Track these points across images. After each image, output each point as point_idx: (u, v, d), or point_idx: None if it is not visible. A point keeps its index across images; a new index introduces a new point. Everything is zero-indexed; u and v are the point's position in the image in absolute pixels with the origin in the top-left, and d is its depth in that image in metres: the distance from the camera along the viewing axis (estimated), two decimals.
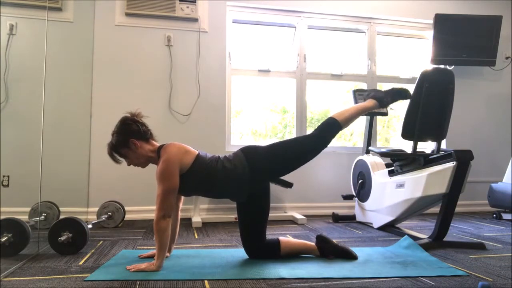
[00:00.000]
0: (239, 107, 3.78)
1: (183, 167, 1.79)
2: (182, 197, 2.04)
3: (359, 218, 3.18)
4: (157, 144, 1.89)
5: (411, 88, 2.50)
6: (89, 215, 3.12)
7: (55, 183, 3.00)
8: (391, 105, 2.14)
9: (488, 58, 3.63)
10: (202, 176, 1.82)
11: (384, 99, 2.08)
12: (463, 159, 2.20)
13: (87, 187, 3.19)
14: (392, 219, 2.70)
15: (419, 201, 2.44)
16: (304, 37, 3.78)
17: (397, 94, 2.12)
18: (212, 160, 1.86)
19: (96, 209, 2.93)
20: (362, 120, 3.53)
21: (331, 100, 4.00)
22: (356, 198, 3.19)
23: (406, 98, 2.14)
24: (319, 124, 2.02)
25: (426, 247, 2.16)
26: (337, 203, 3.56)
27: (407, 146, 2.66)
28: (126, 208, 2.99)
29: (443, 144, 3.75)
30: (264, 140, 3.86)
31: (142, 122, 1.88)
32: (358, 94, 3.28)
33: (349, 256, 1.95)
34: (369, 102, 2.07)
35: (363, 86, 3.88)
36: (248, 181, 1.83)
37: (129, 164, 1.88)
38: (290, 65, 3.78)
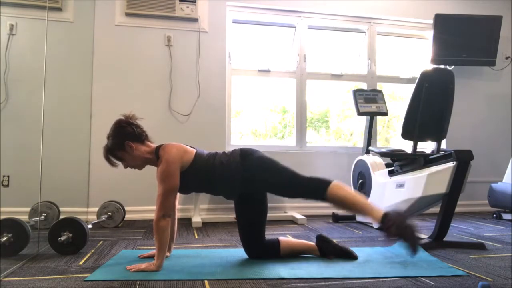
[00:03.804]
0: (239, 107, 3.78)
1: (183, 166, 1.79)
2: (179, 197, 2.04)
3: (359, 218, 3.18)
4: (153, 145, 1.89)
5: (411, 88, 2.50)
6: (89, 215, 3.12)
7: (55, 183, 3.00)
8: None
9: (488, 58, 3.64)
10: (201, 173, 1.82)
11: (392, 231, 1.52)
12: (463, 159, 2.20)
13: (87, 187, 3.19)
14: None
15: (419, 201, 2.44)
16: (304, 37, 3.78)
17: (408, 239, 1.51)
18: (209, 157, 1.86)
19: (96, 209, 2.93)
20: (362, 120, 3.53)
21: (331, 100, 4.00)
22: None
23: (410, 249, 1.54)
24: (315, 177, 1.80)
25: (426, 247, 2.16)
26: None
27: (407, 146, 2.66)
28: (126, 208, 2.99)
29: (443, 144, 3.75)
30: (264, 140, 3.86)
31: (137, 124, 1.87)
32: (358, 94, 3.28)
33: (349, 256, 1.95)
34: (375, 213, 1.60)
35: (363, 86, 3.88)
36: (239, 178, 1.81)
37: (126, 167, 1.88)
38: (290, 65, 3.78)
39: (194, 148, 1.89)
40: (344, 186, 1.68)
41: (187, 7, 3.39)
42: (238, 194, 1.87)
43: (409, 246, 1.41)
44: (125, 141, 1.80)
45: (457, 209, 2.35)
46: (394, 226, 1.42)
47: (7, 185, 3.01)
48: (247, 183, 1.81)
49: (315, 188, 1.70)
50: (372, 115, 3.27)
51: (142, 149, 1.84)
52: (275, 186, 1.82)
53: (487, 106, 4.10)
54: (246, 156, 1.84)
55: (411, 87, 2.49)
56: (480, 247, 2.24)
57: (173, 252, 2.03)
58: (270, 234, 2.41)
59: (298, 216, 3.19)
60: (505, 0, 4.15)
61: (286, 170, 1.82)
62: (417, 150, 2.50)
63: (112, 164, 1.86)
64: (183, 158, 1.79)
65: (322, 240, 1.98)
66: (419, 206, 2.53)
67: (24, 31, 3.12)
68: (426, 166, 2.43)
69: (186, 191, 1.92)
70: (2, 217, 1.97)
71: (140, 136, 1.85)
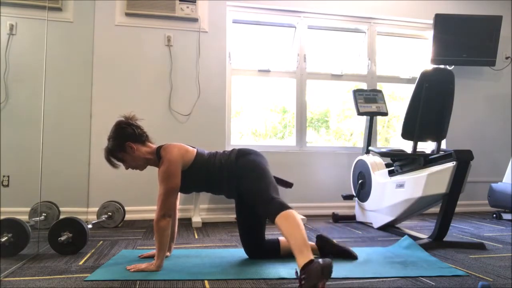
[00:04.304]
0: (239, 107, 3.78)
1: (184, 165, 1.80)
2: (179, 197, 2.04)
3: (359, 218, 3.18)
4: (154, 145, 1.89)
5: (411, 88, 2.51)
6: (89, 215, 3.12)
7: (55, 183, 3.00)
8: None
9: (488, 58, 3.64)
10: (202, 172, 1.83)
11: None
12: (463, 159, 2.20)
13: (87, 187, 3.19)
14: (392, 219, 2.70)
15: (419, 201, 2.44)
16: (304, 37, 3.78)
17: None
18: (210, 156, 1.87)
19: (96, 209, 2.93)
20: (362, 120, 3.53)
21: (331, 100, 4.00)
22: (356, 198, 3.19)
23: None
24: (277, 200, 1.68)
25: (426, 247, 2.16)
26: (337, 203, 3.56)
27: (407, 146, 2.66)
28: (126, 208, 2.99)
29: (443, 144, 3.75)
30: (264, 140, 3.86)
31: (137, 125, 1.87)
32: (358, 94, 3.28)
33: (349, 256, 1.95)
34: (302, 257, 1.42)
35: (363, 86, 3.88)
36: (235, 177, 1.81)
37: (127, 168, 1.88)
38: (290, 65, 3.78)
39: (195, 148, 1.89)
40: (292, 219, 1.56)
41: (187, 7, 3.39)
42: (237, 193, 1.87)
43: None
44: (125, 142, 1.81)
45: (457, 209, 2.35)
46: (306, 279, 1.34)
47: (7, 185, 3.01)
48: (239, 182, 1.81)
49: (270, 211, 1.63)
50: (372, 115, 3.27)
51: (142, 150, 1.85)
52: (247, 191, 1.76)
53: (487, 106, 4.10)
54: (241, 155, 1.84)
55: (411, 87, 2.49)
56: (480, 247, 2.24)
57: (173, 252, 2.03)
58: (270, 234, 2.40)
59: (298, 216, 3.18)
60: (505, 0, 4.15)
61: (264, 182, 1.73)
62: (417, 150, 2.50)
63: (113, 165, 1.86)
64: (184, 158, 1.80)
65: (322, 240, 1.98)
66: (419, 206, 2.53)
67: (24, 31, 3.12)
68: (426, 166, 2.43)
69: (187, 190, 1.93)
70: (2, 217, 1.97)
71: (141, 137, 1.85)
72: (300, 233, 1.51)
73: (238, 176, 1.80)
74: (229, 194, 1.92)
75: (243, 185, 1.78)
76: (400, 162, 2.72)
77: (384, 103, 3.30)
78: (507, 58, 4.11)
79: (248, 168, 1.79)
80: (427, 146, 2.94)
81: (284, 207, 1.62)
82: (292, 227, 1.54)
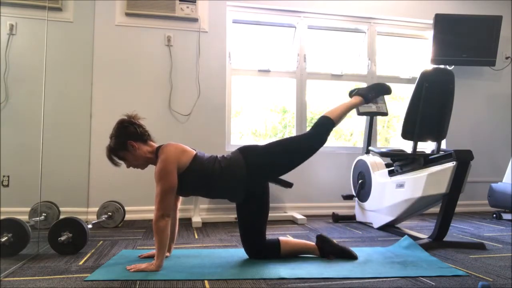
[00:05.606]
0: (239, 107, 3.78)
1: (180, 166, 1.79)
2: (180, 197, 2.04)
3: (359, 218, 3.18)
4: (155, 145, 1.89)
5: (411, 88, 2.51)
6: (89, 215, 3.12)
7: (55, 183, 3.00)
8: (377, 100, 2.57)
9: (488, 58, 3.64)
10: (200, 176, 1.82)
11: (369, 95, 2.21)
12: (463, 159, 2.20)
13: (87, 187, 3.19)
14: (392, 219, 2.70)
15: (419, 201, 2.44)
16: (304, 37, 3.78)
17: (380, 89, 2.26)
18: (209, 160, 1.86)
19: (96, 209, 2.93)
20: (362, 120, 3.53)
21: (331, 100, 4.00)
22: (356, 198, 3.19)
23: (388, 93, 2.28)
24: (314, 123, 2.05)
25: (426, 247, 2.16)
26: (337, 203, 3.56)
27: (407, 146, 2.66)
28: (126, 208, 2.99)
29: (443, 144, 3.75)
30: (264, 140, 3.86)
31: (139, 124, 1.88)
32: None
33: (349, 256, 1.95)
34: (355, 99, 2.19)
35: (363, 86, 3.86)
36: (245, 180, 1.83)
37: (128, 166, 1.88)
38: (290, 65, 3.78)
39: (194, 150, 1.89)
40: (334, 108, 2.07)
41: (187, 7, 3.39)
42: (243, 196, 1.87)
43: None
44: (127, 140, 1.81)
45: (457, 209, 2.35)
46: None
47: (7, 185, 3.01)
48: (254, 181, 1.83)
49: (324, 130, 1.99)
50: (372, 115, 3.27)
51: (144, 149, 1.85)
52: (289, 159, 1.94)
53: (487, 106, 4.10)
54: (248, 155, 1.86)
55: (411, 87, 2.49)
56: (480, 247, 2.24)
57: (173, 252, 2.03)
58: (270, 234, 2.40)
59: (298, 216, 3.19)
60: (505, 0, 4.15)
61: (284, 141, 2.02)
62: (417, 150, 2.50)
63: (115, 164, 1.86)
64: (181, 158, 1.79)
65: (322, 240, 1.98)
66: (419, 206, 2.53)
67: (24, 31, 3.12)
68: (426, 166, 2.43)
69: (185, 193, 1.92)
70: (2, 217, 1.97)
71: (143, 136, 1.85)
72: (346, 102, 2.12)
73: (257, 173, 1.85)
74: (233, 198, 1.92)
75: (279, 167, 1.95)
76: (400, 162, 2.72)
77: (384, 103, 3.28)
78: (507, 58, 4.11)
79: (268, 156, 1.90)
80: (427, 146, 2.94)
81: (324, 118, 2.01)
82: (339, 105, 2.09)
